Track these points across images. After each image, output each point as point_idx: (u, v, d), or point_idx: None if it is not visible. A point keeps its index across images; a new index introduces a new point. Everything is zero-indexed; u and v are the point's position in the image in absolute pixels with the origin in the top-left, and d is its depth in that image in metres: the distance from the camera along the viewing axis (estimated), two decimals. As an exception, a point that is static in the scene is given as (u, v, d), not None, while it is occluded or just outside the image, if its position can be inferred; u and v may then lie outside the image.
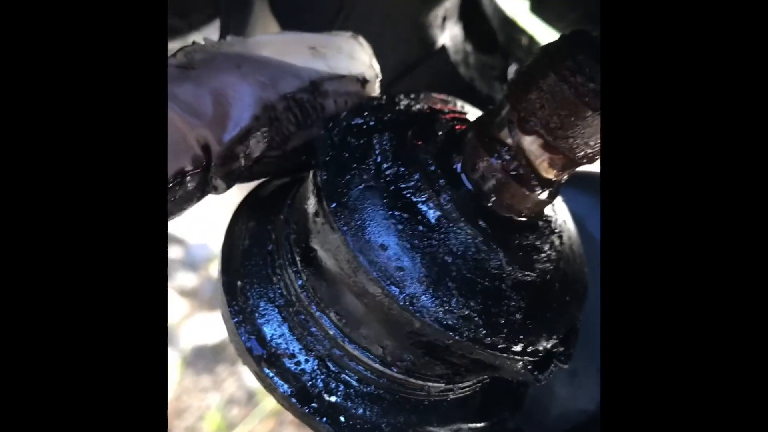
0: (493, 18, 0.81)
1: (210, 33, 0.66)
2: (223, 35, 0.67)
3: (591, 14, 0.61)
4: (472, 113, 0.56)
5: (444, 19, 0.67)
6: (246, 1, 0.65)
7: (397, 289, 0.44)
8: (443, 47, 0.70)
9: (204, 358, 2.19)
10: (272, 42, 0.52)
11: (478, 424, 0.54)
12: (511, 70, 0.78)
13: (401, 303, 0.44)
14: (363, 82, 0.54)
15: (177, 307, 2.29)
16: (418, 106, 0.54)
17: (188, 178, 0.46)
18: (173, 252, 2.43)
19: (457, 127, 0.52)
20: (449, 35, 0.71)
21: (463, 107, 0.57)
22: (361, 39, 0.57)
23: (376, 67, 0.56)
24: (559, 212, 0.55)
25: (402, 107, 0.53)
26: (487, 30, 0.79)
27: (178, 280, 2.38)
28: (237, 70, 0.49)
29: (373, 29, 0.66)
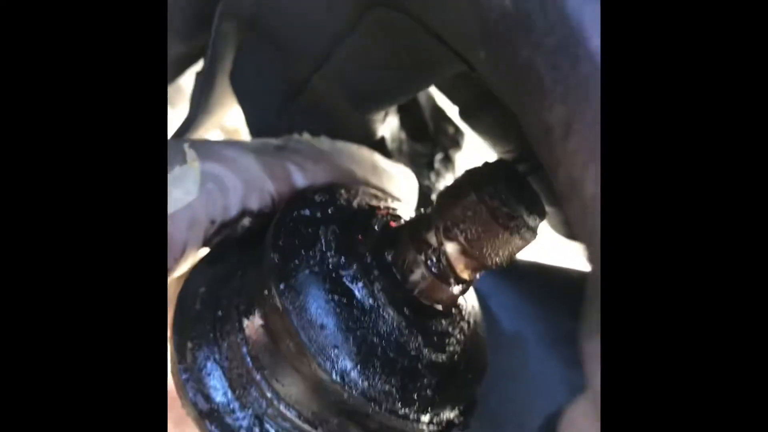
0: (426, 106, 0.91)
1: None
2: (192, 112, 0.74)
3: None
4: (401, 209, 0.66)
5: (386, 113, 0.76)
6: (211, 81, 0.72)
7: (330, 364, 0.52)
8: (382, 138, 0.79)
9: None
10: (348, 152, 0.68)
11: None
12: (438, 158, 0.89)
13: (333, 377, 0.52)
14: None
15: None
16: (356, 201, 0.63)
17: (249, 217, 0.60)
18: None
19: (391, 223, 0.62)
20: (388, 127, 0.80)
21: (393, 203, 0.67)
22: (413, 177, 0.73)
23: (412, 200, 0.72)
24: (468, 300, 0.65)
25: (343, 202, 0.61)
26: (420, 118, 0.89)
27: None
28: (310, 165, 0.65)
29: (321, 122, 0.74)
